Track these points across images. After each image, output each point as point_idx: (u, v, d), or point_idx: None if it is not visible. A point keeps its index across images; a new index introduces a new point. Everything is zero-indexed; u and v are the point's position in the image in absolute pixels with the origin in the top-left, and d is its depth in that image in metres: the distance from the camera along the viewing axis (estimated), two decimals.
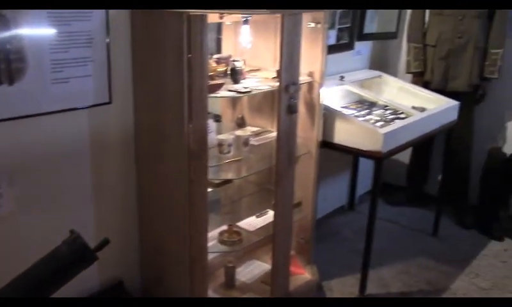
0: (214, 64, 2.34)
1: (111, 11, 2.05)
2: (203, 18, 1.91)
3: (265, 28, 2.58)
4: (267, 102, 2.72)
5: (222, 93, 2.17)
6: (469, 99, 3.49)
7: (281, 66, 2.19)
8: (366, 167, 3.71)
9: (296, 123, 2.38)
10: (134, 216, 2.38)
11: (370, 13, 3.49)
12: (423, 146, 3.69)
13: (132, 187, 2.34)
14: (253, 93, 2.24)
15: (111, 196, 2.27)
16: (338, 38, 3.30)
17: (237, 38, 2.56)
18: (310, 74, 2.56)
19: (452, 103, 3.26)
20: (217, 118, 2.73)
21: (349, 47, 3.43)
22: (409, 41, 3.57)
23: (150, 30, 2.09)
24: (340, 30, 3.29)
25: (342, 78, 3.21)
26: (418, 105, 3.27)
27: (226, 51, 2.62)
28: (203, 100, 2.01)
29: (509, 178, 3.52)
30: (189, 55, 1.91)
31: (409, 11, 3.66)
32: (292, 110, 2.28)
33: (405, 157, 3.87)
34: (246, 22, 2.35)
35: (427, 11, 3.50)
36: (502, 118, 3.69)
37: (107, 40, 2.07)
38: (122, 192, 2.31)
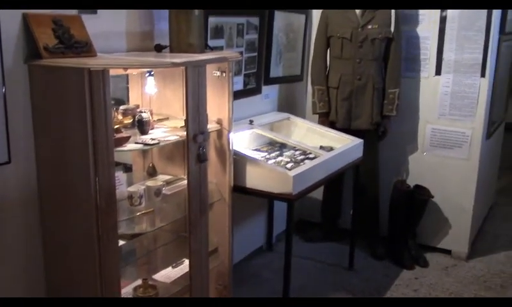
0: (120, 117, 2.31)
1: (6, 60, 1.96)
2: (104, 72, 1.89)
3: (173, 76, 2.59)
4: (178, 150, 2.71)
5: (129, 146, 2.13)
6: (372, 136, 3.69)
7: (187, 116, 2.20)
8: (281, 206, 3.75)
9: (207, 172, 2.39)
10: (41, 279, 2.25)
11: (274, 58, 3.62)
12: (334, 182, 3.83)
13: (37, 248, 2.21)
14: (161, 144, 2.23)
15: (14, 260, 2.13)
16: (246, 83, 3.38)
17: (144, 87, 2.56)
18: (219, 121, 2.60)
19: (357, 141, 3.43)
20: (128, 168, 2.68)
21: (256, 91, 3.52)
22: (313, 84, 3.74)
23: (50, 84, 2.01)
24: (246, 75, 3.38)
25: (251, 122, 3.28)
26: (326, 145, 3.41)
27: (134, 100, 2.60)
28: (109, 155, 1.96)
29: (414, 209, 3.73)
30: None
31: (311, 56, 3.83)
32: (201, 159, 2.29)
33: (318, 193, 3.99)
34: (150, 74, 2.35)
35: (328, 55, 3.69)
36: (404, 152, 3.94)
37: (3, 90, 1.97)
38: (27, 255, 2.18)
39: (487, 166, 4.14)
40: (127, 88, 2.64)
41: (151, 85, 2.42)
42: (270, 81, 3.65)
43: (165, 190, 2.52)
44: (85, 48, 2.12)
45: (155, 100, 2.62)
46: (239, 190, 2.79)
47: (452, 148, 3.78)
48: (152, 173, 2.73)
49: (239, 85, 3.30)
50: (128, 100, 2.59)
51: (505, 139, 5.02)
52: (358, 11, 3.52)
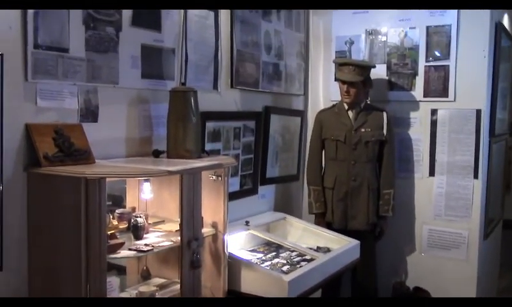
0: (115, 222, 2.33)
1: (6, 169, 2.00)
2: (101, 181, 1.93)
3: (169, 180, 2.63)
4: (173, 253, 2.68)
5: (123, 253, 2.13)
6: (369, 237, 3.68)
7: (182, 222, 2.22)
8: None
9: (200, 277, 2.37)
10: None
11: (271, 158, 3.69)
12: (332, 282, 3.76)
13: None
14: (155, 251, 2.22)
15: None
16: (242, 184, 3.43)
17: (141, 191, 2.59)
18: (214, 224, 2.61)
19: (354, 242, 3.41)
20: (121, 271, 2.66)
21: (253, 191, 3.56)
22: (309, 184, 3.78)
23: (48, 191, 2.05)
24: (243, 176, 3.44)
25: (247, 223, 3.29)
26: (322, 245, 3.39)
27: (130, 202, 2.62)
28: (101, 262, 1.96)
29: None
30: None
31: (307, 156, 3.91)
32: (195, 265, 2.28)
33: (316, 292, 3.90)
34: (147, 179, 2.40)
35: (323, 157, 3.77)
36: (402, 253, 3.91)
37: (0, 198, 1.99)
38: None
39: (486, 266, 4.09)
40: (123, 189, 2.68)
41: (147, 191, 2.45)
42: (266, 181, 3.70)
43: (158, 295, 2.48)
44: (84, 155, 2.18)
45: (151, 202, 2.64)
46: (233, 294, 2.74)
47: (449, 249, 3.75)
48: (146, 276, 2.70)
49: (235, 186, 3.34)
50: (125, 199, 2.62)
51: (504, 236, 4.99)
52: (351, 115, 3.65)
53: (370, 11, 3.96)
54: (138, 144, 2.61)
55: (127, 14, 2.49)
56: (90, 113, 2.34)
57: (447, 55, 3.72)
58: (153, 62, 2.67)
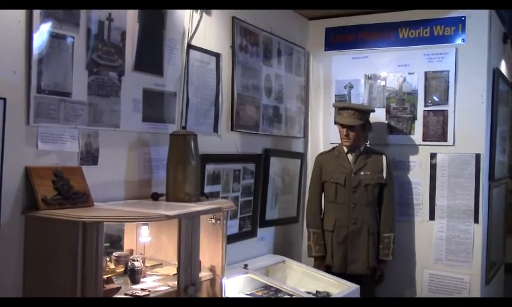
0: (112, 265, 2.32)
1: (4, 211, 2.01)
2: (98, 225, 1.94)
3: (168, 223, 2.62)
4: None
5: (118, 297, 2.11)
6: (369, 281, 3.64)
7: (179, 267, 2.20)
8: None
9: None
10: None
11: (270, 201, 3.69)
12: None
13: None
14: (151, 296, 2.20)
15: None
16: (241, 227, 3.42)
17: (139, 232, 2.58)
18: (212, 268, 2.59)
19: (354, 287, 3.37)
20: None
21: (252, 234, 3.55)
22: (308, 226, 3.76)
23: (45, 234, 2.04)
24: (242, 219, 3.43)
25: (245, 266, 3.26)
26: (322, 290, 3.35)
27: (128, 244, 2.61)
28: None
29: None
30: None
31: (306, 198, 3.91)
32: None
33: None
34: (145, 223, 2.40)
35: (323, 199, 3.77)
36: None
37: None
38: None
39: None
40: (123, 229, 2.67)
41: (145, 234, 2.45)
42: (266, 224, 3.69)
43: None
44: (83, 198, 2.19)
45: (149, 245, 2.63)
46: None
47: (451, 294, 3.70)
48: None
49: (234, 228, 3.33)
50: (123, 240, 2.61)
51: (506, 281, 4.93)
52: (350, 158, 3.66)
53: (369, 55, 4.03)
54: (137, 187, 2.62)
55: (129, 59, 2.54)
56: (90, 156, 2.36)
57: (445, 100, 3.77)
58: (154, 105, 2.71)
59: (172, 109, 2.82)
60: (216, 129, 3.14)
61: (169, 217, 2.12)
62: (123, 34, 2.51)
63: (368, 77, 4.03)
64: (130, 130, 2.57)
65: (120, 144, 2.53)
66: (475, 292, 3.65)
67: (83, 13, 2.29)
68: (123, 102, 2.51)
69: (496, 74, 3.85)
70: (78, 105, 2.29)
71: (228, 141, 3.27)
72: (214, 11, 3.11)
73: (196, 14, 2.97)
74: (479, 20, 3.68)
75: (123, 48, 2.51)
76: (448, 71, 3.76)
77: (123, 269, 2.34)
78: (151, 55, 2.69)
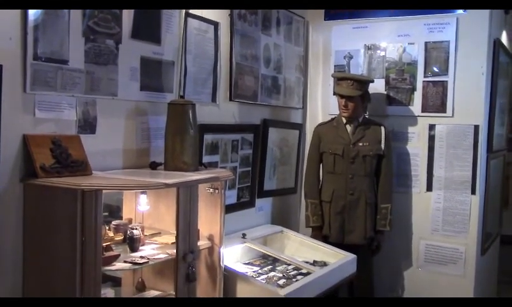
0: (111, 233, 2.33)
1: (2, 179, 2.01)
2: (97, 193, 1.94)
3: (166, 192, 2.63)
4: (168, 266, 2.67)
5: (118, 265, 2.13)
6: (366, 251, 3.67)
7: (177, 236, 2.22)
8: None
9: (195, 291, 2.37)
10: None
11: (268, 171, 3.70)
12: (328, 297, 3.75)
13: None
14: (150, 263, 2.22)
15: None
16: (239, 197, 3.43)
17: (138, 201, 2.59)
18: (210, 237, 2.62)
19: (351, 256, 3.41)
20: (117, 282, 2.65)
21: (250, 204, 3.56)
22: (306, 197, 3.78)
23: (44, 202, 2.05)
24: (240, 189, 3.44)
25: (244, 236, 3.28)
26: (319, 259, 3.39)
27: (127, 213, 2.63)
28: (96, 275, 1.96)
29: None
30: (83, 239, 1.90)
31: (304, 169, 3.92)
32: (190, 278, 2.28)
33: None
34: (143, 191, 2.40)
35: (321, 170, 3.78)
36: (399, 268, 3.90)
37: None
38: None
39: (484, 282, 4.08)
40: (120, 200, 2.68)
41: (143, 203, 2.46)
42: (264, 194, 3.70)
43: None
44: (81, 167, 2.19)
45: (148, 213, 2.64)
46: None
47: (446, 264, 3.75)
48: (141, 288, 2.70)
49: (232, 198, 3.34)
50: (122, 210, 2.62)
51: (502, 252, 4.98)
52: (349, 129, 3.66)
53: (369, 25, 3.98)
54: (136, 156, 2.62)
55: (127, 27, 2.51)
56: (88, 125, 2.35)
57: (445, 71, 3.74)
58: (152, 74, 2.68)
59: (170, 78, 2.80)
60: (214, 99, 3.13)
61: (167, 186, 2.12)
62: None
63: (367, 48, 4.00)
64: (128, 98, 2.55)
65: (118, 113, 2.51)
66: (471, 262, 3.69)
67: None
68: (121, 70, 2.49)
69: (497, 45, 3.81)
70: (75, 73, 2.27)
71: (226, 111, 3.26)
72: None
73: None
74: None
75: (120, 16, 2.47)
76: (449, 42, 3.72)
77: (122, 237, 2.35)
78: (148, 23, 2.66)
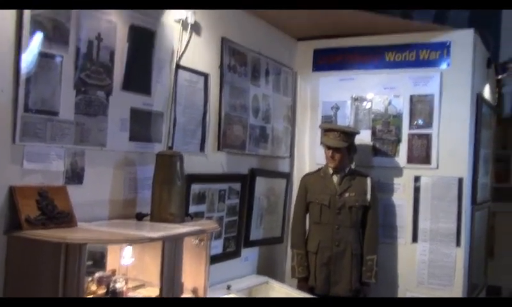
0: (94, 287, 2.30)
1: None
2: (81, 247, 1.93)
3: (151, 243, 2.61)
4: None
5: None
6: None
7: (161, 289, 2.20)
8: None
9: None
10: None
11: (255, 220, 3.70)
12: None
13: None
14: None
15: None
16: (225, 247, 3.41)
17: (122, 254, 2.57)
18: (194, 290, 2.60)
19: None
20: None
21: (236, 254, 3.55)
22: (292, 247, 3.78)
23: (27, 254, 2.02)
24: (226, 239, 3.43)
25: (228, 287, 3.26)
26: None
27: (111, 263, 2.59)
28: None
29: None
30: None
31: (291, 220, 3.92)
32: None
33: None
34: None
35: (307, 220, 3.78)
36: None
37: None
38: None
39: None
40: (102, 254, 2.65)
41: (127, 256, 2.44)
42: (250, 244, 3.69)
43: None
44: (66, 218, 2.18)
45: (133, 265, 2.61)
46: None
47: None
48: None
49: (218, 248, 3.33)
50: (106, 258, 2.58)
51: None
52: (335, 179, 3.69)
53: (355, 77, 4.08)
54: (122, 207, 2.61)
55: (118, 78, 2.55)
56: (76, 175, 2.36)
57: (429, 124, 3.82)
58: (141, 125, 2.71)
59: (159, 129, 2.83)
60: (202, 149, 3.15)
61: (152, 240, 2.12)
62: (112, 54, 2.52)
63: (354, 99, 4.08)
64: (116, 149, 2.57)
65: (106, 163, 2.53)
66: None
67: (72, 32, 2.30)
68: (111, 121, 2.52)
69: (479, 99, 3.92)
70: (65, 124, 2.29)
71: (214, 161, 3.28)
72: (203, 31, 3.14)
73: (186, 34, 2.99)
74: (463, 46, 3.75)
75: (111, 68, 2.52)
76: (433, 95, 3.82)
77: (104, 291, 2.32)
78: (139, 75, 2.70)
